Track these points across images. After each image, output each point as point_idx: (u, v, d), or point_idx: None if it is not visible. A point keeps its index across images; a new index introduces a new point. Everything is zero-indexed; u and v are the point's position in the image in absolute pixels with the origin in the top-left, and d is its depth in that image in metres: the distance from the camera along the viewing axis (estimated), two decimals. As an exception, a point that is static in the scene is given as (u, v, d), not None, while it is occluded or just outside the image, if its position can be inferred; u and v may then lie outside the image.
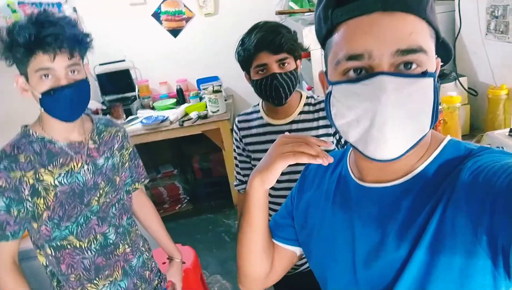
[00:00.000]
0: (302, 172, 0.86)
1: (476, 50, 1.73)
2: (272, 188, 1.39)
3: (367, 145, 0.56)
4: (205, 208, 3.53)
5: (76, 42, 1.05)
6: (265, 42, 1.22)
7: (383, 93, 0.52)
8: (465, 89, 1.72)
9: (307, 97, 1.39)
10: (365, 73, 0.55)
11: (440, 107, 1.60)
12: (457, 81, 1.71)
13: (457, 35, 1.76)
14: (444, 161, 0.60)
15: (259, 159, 1.40)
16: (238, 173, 1.54)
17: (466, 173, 0.54)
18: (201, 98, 3.36)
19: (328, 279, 0.74)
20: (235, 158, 1.53)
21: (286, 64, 1.26)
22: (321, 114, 1.35)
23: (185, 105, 3.31)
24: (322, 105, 1.36)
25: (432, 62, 0.56)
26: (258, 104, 1.45)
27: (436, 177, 0.59)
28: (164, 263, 1.54)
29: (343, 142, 1.33)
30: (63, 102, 1.05)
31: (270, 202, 1.41)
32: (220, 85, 3.38)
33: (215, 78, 3.55)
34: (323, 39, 0.61)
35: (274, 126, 1.38)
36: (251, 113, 1.46)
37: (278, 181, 1.41)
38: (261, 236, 0.79)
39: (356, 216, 0.67)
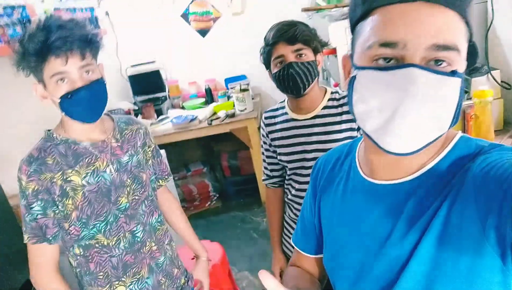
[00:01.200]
0: (311, 174, 0.85)
1: (509, 42, 1.67)
2: (297, 182, 1.43)
3: (384, 136, 0.55)
4: (234, 205, 3.57)
5: (85, 42, 1.06)
6: (280, 33, 1.28)
7: (412, 85, 0.51)
8: (497, 82, 1.65)
9: (332, 92, 1.40)
10: (395, 63, 0.54)
11: (471, 102, 1.58)
12: (489, 74, 1.65)
13: (489, 26, 1.70)
14: (455, 158, 0.59)
15: (284, 154, 1.46)
16: (265, 168, 1.57)
17: (475, 170, 0.54)
18: (229, 97, 3.39)
19: (339, 276, 0.73)
20: (263, 153, 1.56)
21: (303, 55, 1.29)
22: (345, 108, 1.35)
23: (214, 104, 3.36)
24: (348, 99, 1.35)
25: (462, 63, 0.55)
26: (284, 100, 1.48)
27: (446, 174, 0.58)
28: (192, 258, 1.57)
29: None
30: (82, 103, 1.07)
31: (296, 196, 1.44)
32: (248, 84, 3.41)
33: (243, 77, 3.58)
34: (356, 21, 0.60)
35: (298, 121, 1.40)
36: (277, 109, 1.49)
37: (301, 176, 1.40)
38: None
39: (364, 212, 0.67)
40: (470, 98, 1.63)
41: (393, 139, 0.55)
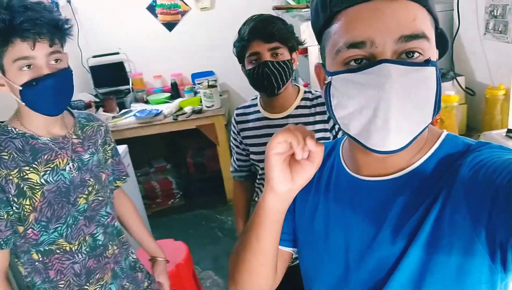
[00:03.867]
0: None
1: (474, 49, 1.73)
2: None
3: (370, 136, 0.54)
4: (198, 203, 3.50)
5: (56, 28, 0.96)
6: (257, 31, 1.23)
7: (388, 81, 0.50)
8: (462, 88, 1.71)
9: (305, 92, 1.38)
10: (367, 62, 0.53)
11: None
12: (454, 80, 1.71)
13: (455, 34, 1.76)
14: (442, 156, 0.59)
15: (256, 153, 1.43)
16: (234, 161, 1.56)
17: (465, 168, 0.53)
18: (195, 93, 3.33)
19: (317, 276, 0.71)
20: (232, 148, 1.54)
21: (279, 54, 1.26)
22: (318, 109, 1.34)
23: (180, 99, 3.28)
24: (320, 100, 1.35)
25: (433, 50, 0.55)
26: (256, 98, 1.45)
27: (434, 172, 0.58)
28: (149, 260, 1.50)
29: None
30: (47, 93, 0.97)
31: None
32: (216, 80, 3.35)
33: (211, 73, 3.52)
34: (320, 29, 0.59)
35: (270, 120, 1.37)
36: (249, 106, 1.46)
37: None
38: (268, 257, 0.69)
39: (349, 210, 0.65)
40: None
41: (379, 138, 0.54)
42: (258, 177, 1.46)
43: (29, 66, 0.95)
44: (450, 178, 0.55)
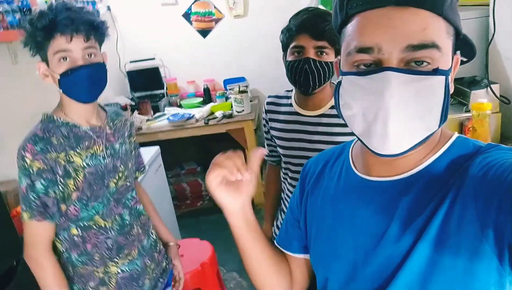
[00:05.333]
0: (300, 174, 0.85)
1: (510, 56, 1.68)
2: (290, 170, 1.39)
3: (371, 139, 0.56)
4: (226, 206, 3.54)
5: (91, 26, 1.10)
6: (307, 25, 1.18)
7: (387, 89, 0.52)
8: (496, 96, 1.67)
9: None
10: (373, 68, 0.54)
11: (469, 114, 1.58)
12: (488, 88, 1.66)
13: (491, 41, 1.71)
14: (452, 157, 0.59)
15: (282, 147, 1.40)
16: (266, 145, 1.54)
17: (475, 169, 0.53)
18: (227, 98, 3.39)
19: (329, 276, 0.72)
20: (264, 132, 1.52)
21: (324, 54, 1.20)
22: None
23: (211, 104, 3.35)
24: None
25: (446, 60, 0.55)
26: (292, 90, 1.40)
27: (443, 172, 0.58)
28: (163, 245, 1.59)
29: None
30: (80, 82, 1.10)
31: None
32: (247, 86, 3.40)
33: (242, 79, 3.57)
34: (339, 28, 0.61)
35: (302, 116, 1.33)
36: (282, 97, 1.42)
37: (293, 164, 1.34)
38: (260, 262, 0.78)
39: (358, 209, 0.66)
40: (469, 111, 1.64)
41: (379, 142, 0.55)
42: (283, 167, 1.44)
43: (66, 58, 1.09)
44: (459, 178, 0.55)
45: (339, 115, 0.63)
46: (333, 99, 1.30)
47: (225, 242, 2.97)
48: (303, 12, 1.23)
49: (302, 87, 1.24)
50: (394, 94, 0.52)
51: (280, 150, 1.40)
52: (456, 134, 0.62)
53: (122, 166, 1.27)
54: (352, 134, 1.27)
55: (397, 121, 0.52)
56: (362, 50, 0.54)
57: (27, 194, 1.11)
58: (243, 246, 0.76)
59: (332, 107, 1.29)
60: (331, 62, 1.22)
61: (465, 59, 0.61)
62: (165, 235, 1.55)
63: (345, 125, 1.29)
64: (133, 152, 1.40)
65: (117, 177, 1.25)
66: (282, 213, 1.50)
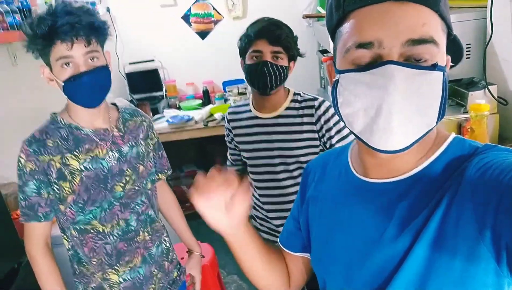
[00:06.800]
0: (302, 175, 0.86)
1: (507, 58, 1.69)
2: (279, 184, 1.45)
3: (373, 135, 0.55)
4: (226, 208, 3.54)
5: (92, 29, 1.09)
6: (265, 31, 1.33)
7: (391, 82, 0.51)
8: (494, 97, 1.67)
9: (295, 94, 1.46)
10: (373, 63, 0.54)
11: (467, 115, 1.59)
12: (486, 89, 1.67)
13: (488, 42, 1.72)
14: (449, 158, 0.59)
15: (245, 151, 1.50)
16: (229, 155, 1.68)
17: (472, 170, 0.53)
18: (226, 100, 3.40)
19: (327, 278, 0.73)
20: (227, 144, 1.65)
21: (279, 58, 1.34)
22: (306, 111, 1.41)
23: (210, 106, 3.36)
24: (308, 103, 1.42)
25: (442, 56, 0.55)
26: (249, 98, 1.53)
27: (440, 174, 0.58)
28: (182, 258, 1.57)
29: (328, 146, 1.39)
30: (83, 88, 1.10)
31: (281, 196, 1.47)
32: (245, 88, 3.41)
33: (241, 81, 3.57)
34: (334, 28, 0.61)
35: (261, 119, 1.45)
36: (242, 106, 1.54)
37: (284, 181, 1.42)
38: (257, 264, 0.81)
39: (356, 211, 0.66)
40: (467, 112, 1.65)
41: (381, 137, 0.55)
42: (249, 172, 1.53)
43: (68, 64, 1.08)
44: (456, 179, 0.55)
45: (337, 114, 0.62)
46: (287, 101, 1.43)
47: (225, 245, 2.97)
48: (260, 21, 1.38)
49: (260, 88, 1.37)
50: (398, 87, 0.51)
51: (245, 154, 1.51)
52: (453, 135, 0.62)
53: (129, 169, 1.24)
54: (307, 132, 1.37)
55: (400, 115, 0.52)
56: (362, 45, 0.54)
57: (20, 195, 1.15)
58: (238, 254, 0.80)
59: (286, 108, 1.42)
60: (286, 67, 1.36)
61: (452, 64, 0.61)
62: (188, 241, 1.51)
63: (300, 124, 1.42)
64: (152, 154, 1.37)
65: (124, 181, 1.22)
66: (252, 219, 1.58)
